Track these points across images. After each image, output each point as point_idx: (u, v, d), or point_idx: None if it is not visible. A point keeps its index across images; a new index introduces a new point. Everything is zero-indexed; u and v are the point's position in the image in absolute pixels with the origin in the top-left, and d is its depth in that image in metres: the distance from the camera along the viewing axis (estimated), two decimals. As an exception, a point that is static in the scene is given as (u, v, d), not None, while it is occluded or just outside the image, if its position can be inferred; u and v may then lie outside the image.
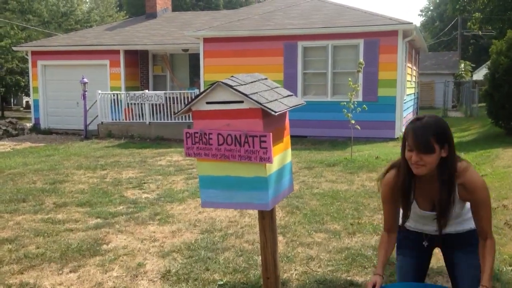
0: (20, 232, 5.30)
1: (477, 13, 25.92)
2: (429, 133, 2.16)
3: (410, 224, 2.55)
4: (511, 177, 7.54)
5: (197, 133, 2.71)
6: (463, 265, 2.46)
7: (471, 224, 2.41)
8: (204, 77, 14.41)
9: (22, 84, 30.02)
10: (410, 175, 2.29)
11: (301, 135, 12.97)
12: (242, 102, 2.58)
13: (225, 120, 2.64)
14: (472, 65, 34.69)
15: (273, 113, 2.52)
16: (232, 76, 2.71)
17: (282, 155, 2.85)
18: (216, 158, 2.69)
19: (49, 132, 16.96)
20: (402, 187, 2.34)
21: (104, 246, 4.80)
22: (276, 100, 2.71)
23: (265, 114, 2.56)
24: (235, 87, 2.56)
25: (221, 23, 15.80)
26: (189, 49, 16.27)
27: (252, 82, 2.77)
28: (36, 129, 17.41)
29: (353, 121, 9.41)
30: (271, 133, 2.56)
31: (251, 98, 2.53)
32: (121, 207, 6.32)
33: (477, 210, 2.29)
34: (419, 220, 2.49)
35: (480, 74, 31.35)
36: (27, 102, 35.86)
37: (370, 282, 2.33)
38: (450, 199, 2.27)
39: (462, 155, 2.68)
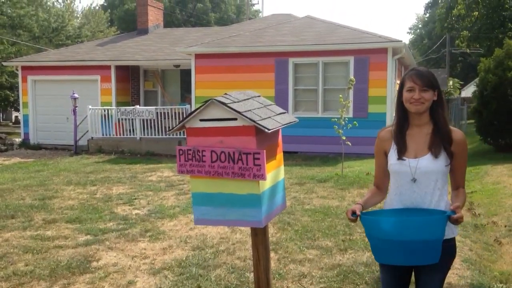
0: (9, 249, 5.23)
1: (465, 31, 26.31)
2: (429, 73, 2.50)
3: (390, 199, 2.60)
4: (500, 194, 7.59)
5: (190, 150, 2.71)
6: (421, 284, 2.51)
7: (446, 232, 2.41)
8: (196, 92, 14.43)
9: (12, 99, 29.91)
10: (404, 118, 2.54)
11: (292, 151, 12.99)
12: (235, 119, 2.59)
13: (219, 137, 2.65)
14: (461, 82, 35.07)
15: (266, 130, 2.53)
16: (225, 94, 2.73)
17: (275, 172, 2.86)
18: (209, 175, 2.68)
19: (38, 147, 16.83)
20: (397, 128, 2.55)
21: (94, 263, 4.75)
22: (269, 117, 2.72)
23: (258, 131, 2.57)
24: (228, 105, 2.57)
25: (212, 40, 15.90)
26: (181, 65, 16.32)
27: (245, 99, 2.78)
28: (25, 144, 17.26)
29: (344, 137, 9.46)
30: (264, 150, 2.57)
31: (245, 116, 2.54)
32: (111, 223, 6.27)
33: (457, 161, 2.49)
34: (395, 176, 2.54)
35: (468, 91, 31.70)
36: (16, 117, 35.69)
37: (350, 209, 2.44)
38: (440, 141, 2.46)
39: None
